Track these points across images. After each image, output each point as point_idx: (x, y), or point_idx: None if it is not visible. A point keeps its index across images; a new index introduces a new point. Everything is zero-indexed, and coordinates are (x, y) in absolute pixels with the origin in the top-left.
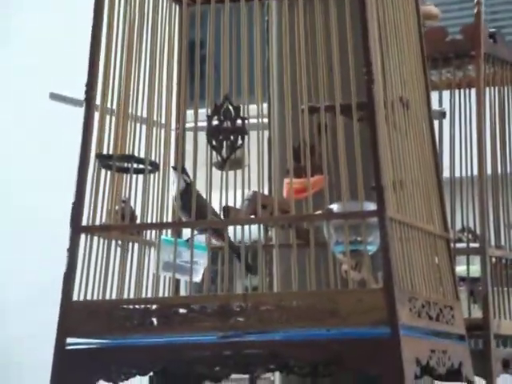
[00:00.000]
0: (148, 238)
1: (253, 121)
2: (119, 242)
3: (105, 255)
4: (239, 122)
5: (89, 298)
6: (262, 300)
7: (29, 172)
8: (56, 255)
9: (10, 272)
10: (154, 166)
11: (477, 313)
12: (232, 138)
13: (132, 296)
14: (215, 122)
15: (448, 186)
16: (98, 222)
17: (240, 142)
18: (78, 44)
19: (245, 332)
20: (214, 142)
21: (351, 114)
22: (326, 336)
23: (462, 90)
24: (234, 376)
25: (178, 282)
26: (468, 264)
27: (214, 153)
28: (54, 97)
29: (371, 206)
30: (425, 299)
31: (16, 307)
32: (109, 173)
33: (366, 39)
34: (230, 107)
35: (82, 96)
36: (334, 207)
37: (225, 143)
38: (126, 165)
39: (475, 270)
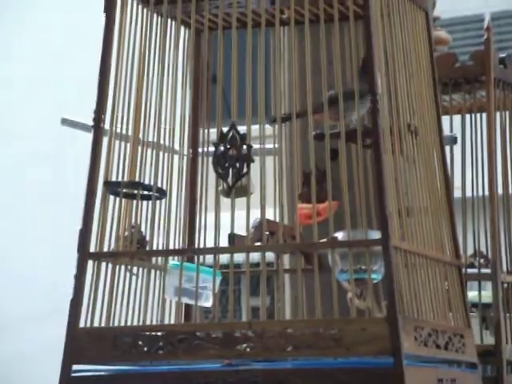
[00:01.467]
0: (160, 263)
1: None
2: (130, 268)
3: (114, 281)
4: (245, 149)
5: (96, 324)
6: (267, 328)
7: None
8: (58, 272)
9: (11, 287)
10: (162, 193)
11: (489, 339)
12: (238, 165)
13: (142, 322)
14: (221, 149)
15: (459, 207)
16: (106, 248)
17: (245, 169)
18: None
19: (250, 360)
20: (219, 170)
21: (361, 140)
22: (331, 365)
23: (472, 115)
24: None
25: (190, 307)
26: (480, 290)
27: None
28: (66, 122)
29: (376, 235)
30: (432, 328)
31: (16, 323)
32: (117, 199)
33: (371, 68)
34: (236, 135)
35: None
36: (339, 235)
37: (230, 171)
38: (133, 191)
39: (487, 295)
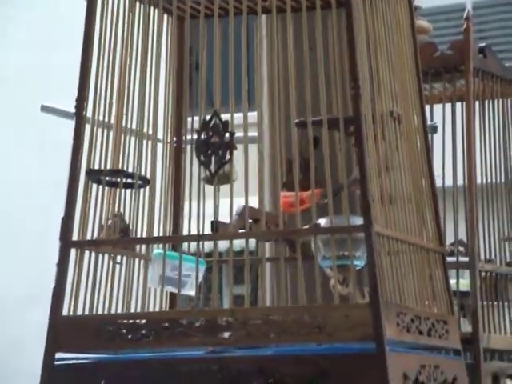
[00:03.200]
0: (143, 251)
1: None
2: (113, 257)
3: (96, 269)
4: (227, 136)
5: (79, 312)
6: (250, 315)
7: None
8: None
9: (10, 271)
10: (144, 181)
11: (467, 327)
12: (220, 152)
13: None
14: (203, 137)
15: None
16: (89, 237)
17: (228, 156)
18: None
19: (233, 347)
20: (202, 157)
21: (344, 128)
22: (314, 351)
23: (452, 104)
24: None
25: (175, 295)
26: (457, 278)
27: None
28: (46, 109)
29: (359, 221)
30: (415, 314)
31: (15, 307)
32: (100, 187)
33: (353, 54)
34: (219, 122)
35: (73, 108)
36: (322, 222)
37: (213, 158)
38: (115, 179)
39: (465, 283)
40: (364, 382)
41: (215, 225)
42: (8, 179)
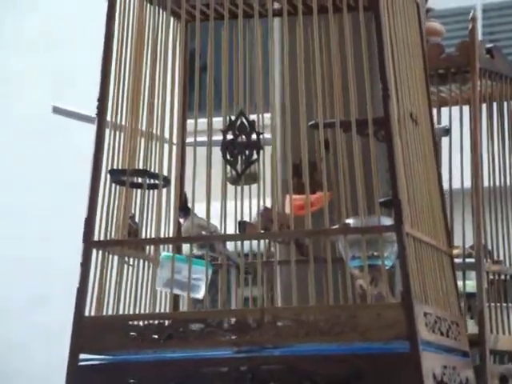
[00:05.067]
0: (152, 254)
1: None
2: (126, 258)
3: (114, 270)
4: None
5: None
6: (279, 314)
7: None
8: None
9: (11, 278)
10: (166, 181)
11: (474, 328)
12: (247, 152)
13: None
14: (230, 137)
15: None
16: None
17: (255, 156)
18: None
19: (262, 347)
20: (228, 157)
21: (357, 130)
22: (345, 351)
23: (461, 106)
24: None
25: (177, 298)
26: (464, 279)
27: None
28: (57, 111)
29: (387, 221)
30: (436, 314)
31: (16, 313)
32: (118, 188)
33: (382, 56)
34: (245, 122)
35: (84, 110)
36: (351, 222)
37: (239, 158)
38: (136, 180)
39: (472, 285)
40: (398, 382)
41: (243, 225)
42: (9, 181)
